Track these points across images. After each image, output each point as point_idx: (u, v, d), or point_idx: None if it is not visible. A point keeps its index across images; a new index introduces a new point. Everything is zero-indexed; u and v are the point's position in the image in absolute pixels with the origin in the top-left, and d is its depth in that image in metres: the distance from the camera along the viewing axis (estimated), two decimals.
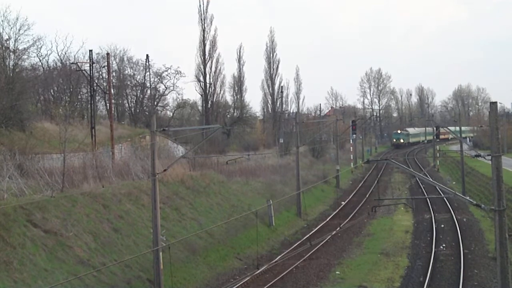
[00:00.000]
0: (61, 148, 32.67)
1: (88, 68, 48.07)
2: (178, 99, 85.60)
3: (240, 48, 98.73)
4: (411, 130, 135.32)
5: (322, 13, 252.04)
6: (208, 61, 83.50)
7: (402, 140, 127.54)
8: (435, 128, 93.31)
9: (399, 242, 36.61)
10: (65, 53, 67.63)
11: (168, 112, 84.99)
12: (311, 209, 49.21)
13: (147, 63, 72.87)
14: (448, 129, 58.69)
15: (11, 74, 46.63)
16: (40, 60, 65.41)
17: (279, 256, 32.52)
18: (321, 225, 42.94)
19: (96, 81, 59.12)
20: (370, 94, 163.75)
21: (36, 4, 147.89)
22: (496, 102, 16.07)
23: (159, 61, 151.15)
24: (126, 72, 75.98)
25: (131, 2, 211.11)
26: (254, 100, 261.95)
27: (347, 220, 43.86)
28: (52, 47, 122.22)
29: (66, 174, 29.85)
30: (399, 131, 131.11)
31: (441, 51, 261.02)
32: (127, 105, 76.80)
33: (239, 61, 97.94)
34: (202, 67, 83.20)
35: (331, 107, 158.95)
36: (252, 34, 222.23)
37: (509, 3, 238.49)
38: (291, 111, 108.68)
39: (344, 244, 36.45)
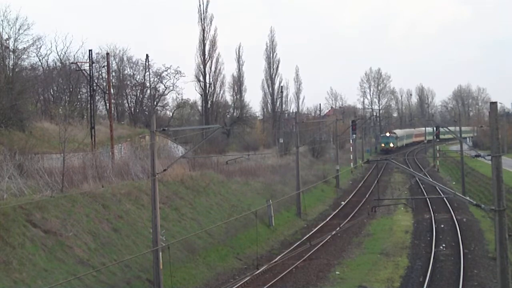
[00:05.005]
0: (61, 148, 32.67)
1: (88, 68, 48.19)
2: (177, 99, 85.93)
3: (239, 48, 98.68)
4: (399, 132, 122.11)
5: (322, 12, 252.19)
6: (208, 61, 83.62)
7: (392, 145, 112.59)
8: (434, 128, 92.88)
9: (399, 242, 36.59)
10: (65, 53, 67.86)
11: (168, 112, 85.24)
12: (311, 209, 49.20)
13: (146, 63, 72.98)
14: (448, 129, 58.44)
15: (10, 74, 46.72)
16: (39, 60, 65.61)
17: (279, 256, 32.50)
18: (321, 225, 42.92)
19: (96, 81, 59.15)
20: (370, 94, 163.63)
21: (35, 3, 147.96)
22: (496, 102, 16.04)
23: (158, 61, 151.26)
24: (126, 72, 76.18)
25: (131, 2, 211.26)
26: (254, 100, 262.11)
27: (347, 220, 43.82)
28: (51, 46, 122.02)
29: (65, 174, 29.84)
30: (387, 134, 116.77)
31: (441, 51, 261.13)
32: (126, 105, 76.90)
33: (238, 61, 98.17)
34: (201, 67, 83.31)
35: (331, 107, 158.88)
36: (253, 34, 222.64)
37: (510, 2, 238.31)
38: (291, 111, 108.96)
39: (344, 244, 36.44)
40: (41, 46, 68.98)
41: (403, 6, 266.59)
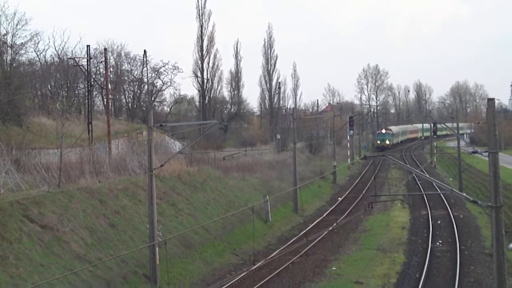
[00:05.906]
0: (58, 143, 32.66)
1: (86, 63, 48.27)
2: (175, 95, 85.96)
3: (237, 44, 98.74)
4: (394, 129, 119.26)
5: (320, 9, 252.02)
6: (206, 56, 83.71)
7: (388, 142, 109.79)
8: (432, 125, 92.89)
9: (396, 238, 36.64)
10: (63, 48, 67.73)
11: (165, 108, 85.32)
12: (308, 205, 49.22)
13: (144, 59, 72.98)
14: (445, 125, 58.57)
15: (8, 69, 46.60)
16: (37, 55, 65.42)
17: (275, 252, 32.53)
18: (317, 221, 42.97)
19: (94, 76, 59.08)
20: (368, 90, 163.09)
21: None
22: (493, 99, 16.05)
23: (156, 56, 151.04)
24: (124, 67, 76.22)
25: None
26: (252, 96, 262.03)
27: (344, 216, 43.88)
28: (49, 42, 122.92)
29: (63, 169, 29.78)
30: (383, 131, 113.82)
31: (439, 48, 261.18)
32: (124, 100, 76.93)
33: (236, 56, 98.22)
34: (199, 62, 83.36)
35: (329, 103, 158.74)
36: (251, 31, 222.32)
37: (510, 2, 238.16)
38: (289, 107, 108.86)
39: (340, 240, 36.48)
40: (39, 42, 69.00)
41: (403, 5, 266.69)
